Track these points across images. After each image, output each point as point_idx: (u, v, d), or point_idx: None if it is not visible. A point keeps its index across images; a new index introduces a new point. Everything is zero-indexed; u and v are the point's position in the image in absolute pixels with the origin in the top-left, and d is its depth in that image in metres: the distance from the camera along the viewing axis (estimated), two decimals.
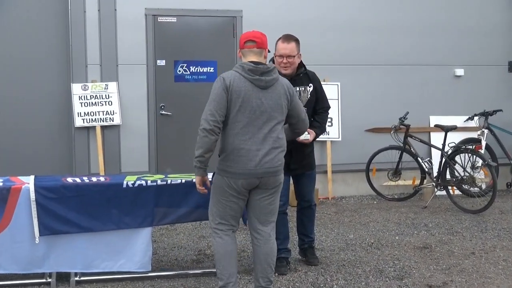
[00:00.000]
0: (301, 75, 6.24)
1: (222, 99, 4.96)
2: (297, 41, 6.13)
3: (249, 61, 5.11)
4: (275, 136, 5.09)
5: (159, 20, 9.25)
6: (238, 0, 9.49)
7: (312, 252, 6.56)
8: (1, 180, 5.74)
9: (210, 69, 9.37)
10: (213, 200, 5.23)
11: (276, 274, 6.07)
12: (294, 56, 6.06)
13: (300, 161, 6.19)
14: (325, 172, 9.84)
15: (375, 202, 9.73)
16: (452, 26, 10.48)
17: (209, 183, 5.29)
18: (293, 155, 6.04)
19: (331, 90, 9.66)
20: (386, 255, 6.82)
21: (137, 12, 9.14)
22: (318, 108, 6.30)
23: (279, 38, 6.12)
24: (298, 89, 6.09)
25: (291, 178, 6.32)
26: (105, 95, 9.00)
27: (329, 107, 6.43)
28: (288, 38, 6.12)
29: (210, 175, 5.39)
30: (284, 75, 5.83)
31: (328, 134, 9.76)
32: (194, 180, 5.71)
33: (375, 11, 10.14)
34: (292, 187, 6.49)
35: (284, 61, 6.05)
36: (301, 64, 6.29)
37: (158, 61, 9.27)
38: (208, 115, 4.95)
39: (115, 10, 9.08)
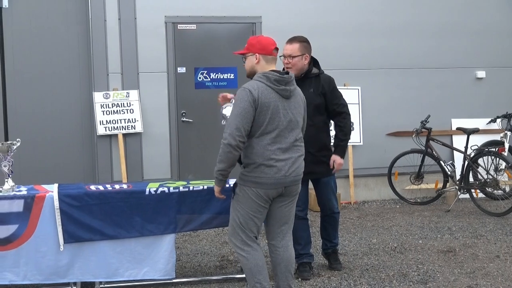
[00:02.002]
0: (312, 78, 6.16)
1: (249, 113, 4.83)
2: (303, 42, 6.08)
3: (270, 70, 5.03)
4: (299, 144, 5.09)
5: (179, 28, 9.31)
6: (257, 7, 9.54)
7: (335, 258, 6.54)
8: (25, 188, 5.77)
9: (230, 76, 9.40)
10: (238, 214, 5.08)
11: (300, 279, 6.11)
12: (295, 57, 6.01)
13: (311, 165, 5.99)
14: (347, 176, 9.83)
15: (398, 206, 9.70)
16: (473, 28, 10.46)
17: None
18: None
19: (351, 95, 9.69)
20: (410, 259, 6.81)
21: (157, 20, 9.21)
22: (331, 110, 6.19)
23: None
24: (311, 90, 6.08)
25: (310, 183, 6.30)
26: (127, 103, 9.06)
27: (342, 112, 6.24)
28: (292, 39, 6.12)
29: (231, 181, 5.40)
30: None
31: (350, 139, 9.78)
32: None
33: (395, 14, 10.14)
34: (314, 192, 6.48)
35: (286, 61, 6.05)
36: (315, 67, 6.22)
37: (178, 69, 9.32)
38: (234, 129, 4.81)
39: (135, 18, 9.14)
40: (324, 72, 6.28)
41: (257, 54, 5.06)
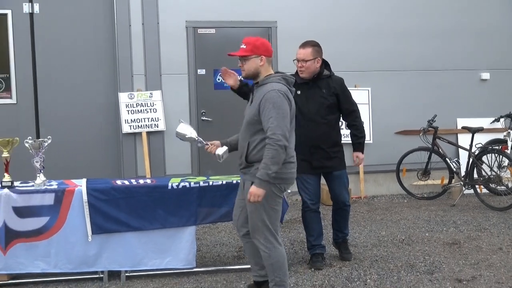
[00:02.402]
0: (323, 79, 6.34)
1: (289, 115, 4.87)
2: (315, 46, 6.23)
3: (282, 72, 5.12)
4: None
5: (199, 32, 9.51)
6: (272, 12, 9.68)
7: (345, 247, 6.70)
8: (56, 183, 6.03)
9: None
10: (262, 211, 5.01)
11: (313, 269, 6.32)
12: (308, 61, 6.18)
13: (323, 160, 6.31)
14: (357, 172, 9.98)
15: (406, 201, 9.84)
16: (478, 31, 10.56)
17: None
18: (313, 153, 6.24)
19: (362, 95, 9.88)
20: (417, 251, 6.96)
21: (178, 25, 9.42)
22: (344, 109, 6.42)
23: None
24: (324, 90, 6.32)
25: (322, 178, 6.48)
26: (150, 103, 9.26)
27: (354, 110, 6.47)
28: (305, 43, 6.27)
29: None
30: (302, 79, 6.18)
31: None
32: (234, 181, 6.00)
33: (403, 17, 10.28)
34: (326, 188, 6.69)
35: (299, 65, 6.24)
36: (325, 69, 6.37)
37: (198, 70, 9.52)
38: (287, 131, 4.80)
39: (158, 23, 9.36)
40: (334, 73, 6.47)
41: (262, 56, 5.02)
